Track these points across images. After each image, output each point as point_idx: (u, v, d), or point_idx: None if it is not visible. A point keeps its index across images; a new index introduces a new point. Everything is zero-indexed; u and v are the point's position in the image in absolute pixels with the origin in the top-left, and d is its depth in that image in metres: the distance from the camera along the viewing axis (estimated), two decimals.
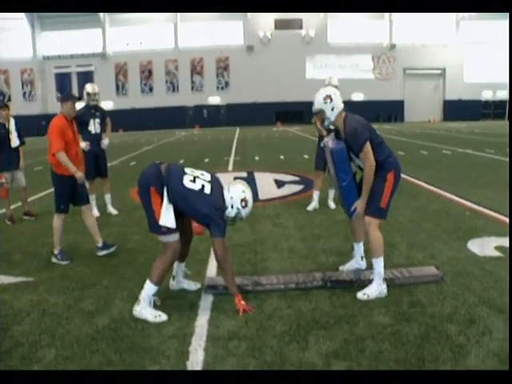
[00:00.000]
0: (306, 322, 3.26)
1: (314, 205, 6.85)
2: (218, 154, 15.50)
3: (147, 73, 43.94)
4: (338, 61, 41.71)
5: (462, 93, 42.61)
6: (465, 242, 4.97)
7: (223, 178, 10.99)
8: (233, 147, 18.36)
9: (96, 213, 6.91)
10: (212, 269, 4.35)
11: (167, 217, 3.40)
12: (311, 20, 41.44)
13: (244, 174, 10.45)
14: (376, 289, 3.66)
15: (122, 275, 4.31)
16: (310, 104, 7.73)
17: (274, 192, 8.30)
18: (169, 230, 3.42)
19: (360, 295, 3.65)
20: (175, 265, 3.82)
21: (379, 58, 42.51)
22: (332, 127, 3.92)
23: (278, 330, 3.15)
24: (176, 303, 3.64)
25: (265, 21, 41.54)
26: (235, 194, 3.53)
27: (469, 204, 6.81)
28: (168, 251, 3.46)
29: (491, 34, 42.24)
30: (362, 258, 4.22)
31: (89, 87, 6.89)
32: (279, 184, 9.02)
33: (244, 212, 3.55)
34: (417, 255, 4.60)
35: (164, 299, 3.71)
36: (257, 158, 14.11)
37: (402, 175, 9.44)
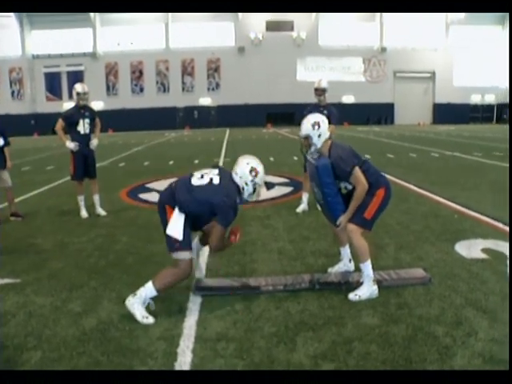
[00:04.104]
0: (294, 323, 3.26)
1: (303, 207, 6.85)
2: (208, 156, 15.46)
3: (138, 73, 43.79)
4: (329, 63, 41.88)
5: (452, 96, 42.97)
6: (452, 244, 5.01)
7: None
8: (223, 149, 18.32)
9: (84, 214, 6.86)
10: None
11: (175, 226, 3.43)
12: (302, 22, 41.55)
13: None
14: (367, 290, 3.69)
15: (110, 276, 4.29)
16: (301, 106, 7.74)
17: (263, 194, 8.24)
18: (181, 247, 3.43)
19: (351, 296, 3.67)
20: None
21: (370, 60, 42.76)
22: (315, 157, 3.92)
23: (266, 332, 3.15)
24: (164, 305, 3.62)
25: (256, 22, 41.58)
26: (241, 171, 3.60)
27: (456, 206, 6.87)
28: (179, 269, 3.46)
29: (480, 38, 42.71)
30: (349, 260, 4.25)
31: (78, 87, 6.83)
32: (269, 186, 9.01)
33: (259, 180, 3.62)
34: (405, 257, 4.63)
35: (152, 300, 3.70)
36: None
37: (392, 178, 9.48)
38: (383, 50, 42.36)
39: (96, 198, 6.97)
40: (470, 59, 42.76)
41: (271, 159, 13.87)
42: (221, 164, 12.98)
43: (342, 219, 3.80)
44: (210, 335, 3.12)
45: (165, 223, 3.51)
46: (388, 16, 41.11)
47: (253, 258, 4.68)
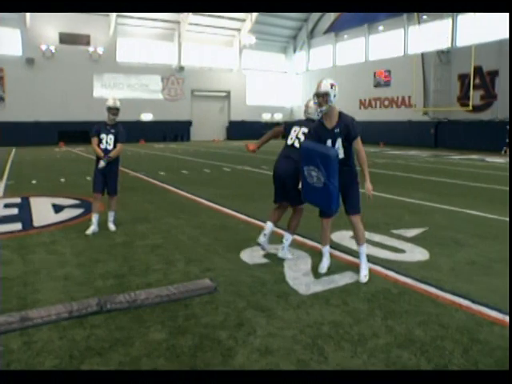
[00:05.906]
0: (80, 350, 3.15)
1: (93, 228, 6.52)
2: None
3: None
4: (128, 80, 41.21)
5: (245, 114, 46.52)
6: (238, 253, 5.46)
7: None
8: (6, 170, 16.36)
9: None
10: None
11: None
12: (100, 37, 40.06)
13: (18, 200, 9.39)
14: (365, 267, 4.61)
15: None
16: (95, 123, 7.35)
17: (51, 217, 7.68)
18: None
19: (362, 278, 4.48)
20: (269, 225, 5.27)
21: (168, 79, 43.44)
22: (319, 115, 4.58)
23: (46, 366, 2.97)
24: None
25: (48, 33, 38.53)
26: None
27: (244, 217, 7.49)
28: (301, 211, 5.22)
29: (268, 63, 47.55)
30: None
31: None
32: (57, 209, 8.42)
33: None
34: (194, 270, 4.85)
35: None
36: (34, 181, 12.81)
37: (186, 194, 9.81)
38: (181, 69, 43.50)
39: None
40: (261, 81, 47.17)
41: (62, 180, 12.90)
42: (2, 188, 11.57)
43: (367, 187, 4.51)
44: None
45: (294, 184, 4.88)
46: (185, 37, 42.55)
47: (35, 288, 4.34)
